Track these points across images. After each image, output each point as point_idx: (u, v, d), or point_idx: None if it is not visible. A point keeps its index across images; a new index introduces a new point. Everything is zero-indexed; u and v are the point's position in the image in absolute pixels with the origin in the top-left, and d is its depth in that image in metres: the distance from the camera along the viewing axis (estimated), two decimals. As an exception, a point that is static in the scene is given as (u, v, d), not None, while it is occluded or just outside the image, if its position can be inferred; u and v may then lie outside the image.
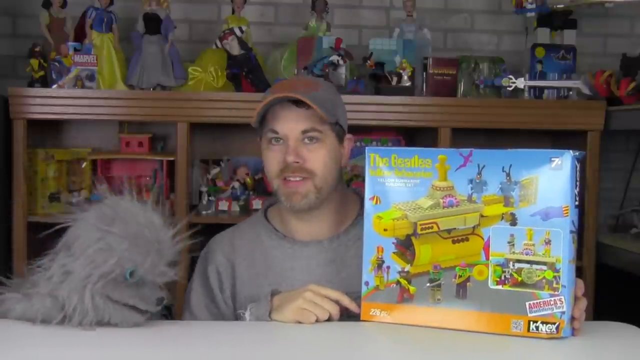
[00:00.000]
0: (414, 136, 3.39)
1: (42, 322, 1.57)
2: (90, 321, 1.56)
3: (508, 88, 3.16)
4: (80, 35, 3.10)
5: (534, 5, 3.24)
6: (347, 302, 1.65)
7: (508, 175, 1.49)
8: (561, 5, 3.24)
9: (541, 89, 3.19)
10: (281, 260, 1.91)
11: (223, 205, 3.18)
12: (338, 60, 3.04)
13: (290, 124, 1.82)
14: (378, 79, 3.15)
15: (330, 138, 1.84)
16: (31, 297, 1.61)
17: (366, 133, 3.25)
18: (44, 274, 1.62)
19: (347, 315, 1.66)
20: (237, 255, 1.94)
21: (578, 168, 1.47)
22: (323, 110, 1.79)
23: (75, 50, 2.98)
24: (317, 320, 1.62)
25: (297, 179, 1.83)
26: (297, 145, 1.82)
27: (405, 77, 3.09)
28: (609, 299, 3.09)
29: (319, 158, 1.83)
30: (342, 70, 3.06)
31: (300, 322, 1.62)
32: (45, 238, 1.97)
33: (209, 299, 1.94)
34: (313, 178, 1.83)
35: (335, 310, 1.63)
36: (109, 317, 1.58)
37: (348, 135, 1.90)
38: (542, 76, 3.20)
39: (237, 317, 1.85)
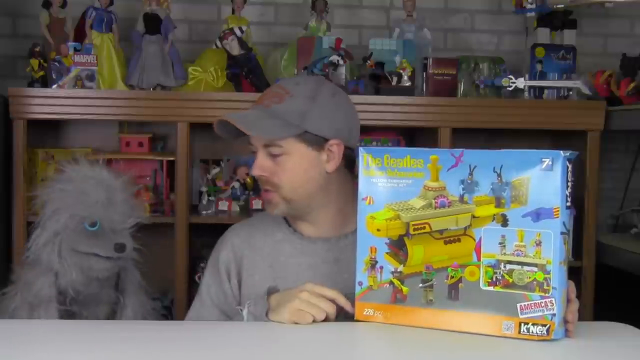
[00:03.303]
0: (414, 136, 3.39)
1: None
2: (75, 279, 1.89)
3: (508, 88, 3.15)
4: (80, 35, 3.10)
5: (534, 5, 3.24)
6: (343, 301, 1.66)
7: (499, 175, 1.49)
8: (561, 5, 3.23)
9: (541, 89, 3.18)
10: (289, 254, 1.92)
11: (223, 205, 3.19)
12: (338, 60, 3.04)
13: (254, 138, 1.85)
14: (378, 79, 3.15)
15: (299, 149, 1.82)
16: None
17: (366, 133, 3.25)
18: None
19: (344, 315, 1.67)
20: (248, 246, 1.96)
21: (570, 169, 1.47)
22: (263, 129, 1.81)
23: (75, 50, 2.97)
24: (314, 320, 1.62)
25: (268, 188, 1.87)
26: (262, 158, 1.85)
27: (405, 77, 3.08)
28: (609, 299, 3.09)
29: (284, 171, 1.83)
30: (342, 70, 3.05)
31: (297, 323, 1.63)
32: None
33: (217, 285, 1.97)
34: (279, 190, 1.84)
35: (332, 310, 1.64)
36: (81, 266, 1.89)
37: (334, 141, 1.84)
38: (542, 76, 3.19)
39: (234, 312, 1.87)
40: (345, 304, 1.65)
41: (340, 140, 1.85)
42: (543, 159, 1.46)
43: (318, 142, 1.83)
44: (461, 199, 1.53)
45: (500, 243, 1.49)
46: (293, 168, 1.83)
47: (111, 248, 1.89)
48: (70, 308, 1.95)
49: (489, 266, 1.50)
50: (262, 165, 1.84)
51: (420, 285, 1.57)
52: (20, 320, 1.94)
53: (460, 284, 1.53)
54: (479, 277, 1.51)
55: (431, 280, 1.56)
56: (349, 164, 1.90)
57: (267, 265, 1.93)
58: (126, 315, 2.03)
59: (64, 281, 1.93)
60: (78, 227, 1.89)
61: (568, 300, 1.52)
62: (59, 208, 1.91)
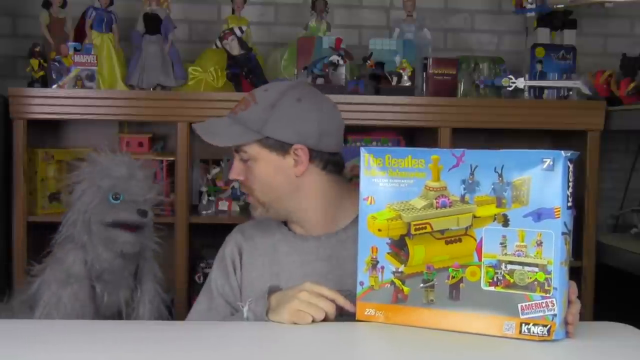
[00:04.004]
0: (414, 136, 3.39)
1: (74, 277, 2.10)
2: (100, 253, 2.12)
3: (508, 88, 3.15)
4: (80, 35, 3.10)
5: (534, 5, 3.24)
6: (342, 301, 1.67)
7: (500, 175, 1.49)
8: (561, 5, 3.23)
9: (541, 89, 3.18)
10: (285, 253, 1.96)
11: (223, 205, 3.19)
12: (338, 60, 3.03)
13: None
14: (378, 79, 3.14)
15: (263, 154, 1.88)
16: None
17: (366, 133, 3.25)
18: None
19: (340, 314, 1.67)
20: (249, 243, 2.01)
21: (571, 169, 1.47)
22: (221, 136, 1.91)
23: (75, 50, 2.97)
24: (313, 320, 1.63)
25: (245, 192, 1.97)
26: (237, 162, 1.93)
27: (405, 77, 3.08)
28: (609, 299, 3.09)
29: (253, 176, 1.91)
30: (342, 70, 3.05)
31: (296, 323, 1.63)
32: (46, 238, 2.14)
33: (224, 278, 2.01)
34: (252, 194, 1.93)
35: (331, 309, 1.64)
36: (107, 240, 2.10)
37: (298, 146, 1.88)
38: (542, 76, 3.19)
39: (236, 309, 1.90)
40: (345, 304, 1.66)
41: (305, 145, 1.88)
42: (544, 159, 1.46)
43: (282, 147, 1.88)
44: (462, 199, 1.53)
45: (501, 243, 1.49)
46: (260, 173, 1.90)
47: (134, 213, 2.09)
48: (95, 285, 2.14)
49: (490, 266, 1.50)
50: (236, 169, 1.93)
51: (422, 285, 1.57)
52: (23, 321, 1.96)
53: (461, 284, 1.53)
54: (480, 277, 1.51)
55: (432, 280, 1.56)
56: (327, 166, 1.93)
57: (265, 263, 1.97)
58: (142, 302, 2.21)
59: (91, 256, 2.13)
60: (103, 201, 2.11)
61: (569, 302, 1.52)
62: (87, 187, 2.13)
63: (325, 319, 1.64)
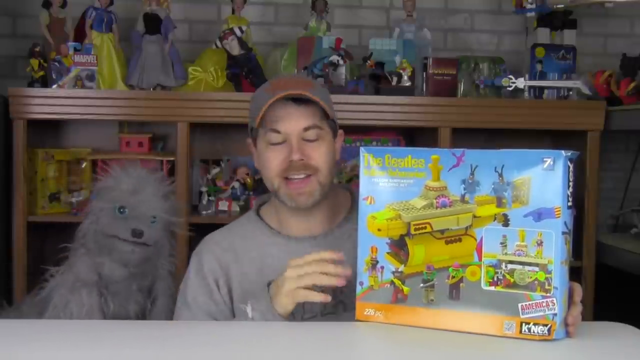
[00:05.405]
0: (414, 136, 3.39)
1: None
2: (102, 261, 2.15)
3: (508, 88, 3.16)
4: (80, 35, 3.11)
5: (534, 5, 3.25)
6: (327, 255, 1.66)
7: (500, 175, 1.48)
8: (561, 5, 3.24)
9: (541, 89, 3.19)
10: (276, 256, 1.91)
11: (223, 205, 3.19)
12: (338, 60, 3.04)
13: (292, 122, 1.85)
14: (378, 79, 3.15)
15: (329, 134, 1.89)
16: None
17: (366, 133, 3.25)
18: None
19: (342, 308, 1.71)
20: (232, 254, 1.94)
21: (571, 168, 1.47)
22: (326, 104, 1.86)
23: (75, 50, 2.98)
24: (315, 285, 1.63)
25: (301, 176, 1.86)
26: (299, 143, 1.85)
27: (405, 77, 3.09)
28: (609, 299, 3.09)
29: (322, 154, 1.86)
30: (342, 70, 3.06)
31: (301, 302, 1.66)
32: (46, 238, 2.14)
33: (206, 295, 1.92)
34: (317, 174, 1.86)
35: (323, 268, 1.64)
36: (109, 249, 2.13)
37: (340, 131, 1.94)
38: (542, 76, 3.20)
39: (237, 311, 1.86)
40: (332, 255, 1.65)
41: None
42: (544, 159, 1.45)
43: (334, 130, 1.92)
44: (462, 199, 1.52)
45: (501, 243, 1.48)
46: (326, 152, 1.88)
47: (129, 232, 2.10)
48: (103, 295, 2.16)
49: (490, 266, 1.50)
50: (301, 149, 1.85)
51: (421, 285, 1.57)
52: (27, 321, 1.97)
53: (461, 284, 1.53)
54: (480, 277, 1.51)
55: (432, 280, 1.56)
56: None
57: (255, 270, 1.91)
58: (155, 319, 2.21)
59: (97, 264, 2.16)
60: (110, 213, 2.14)
61: (573, 303, 1.51)
62: (99, 199, 2.20)
63: (328, 286, 1.64)
